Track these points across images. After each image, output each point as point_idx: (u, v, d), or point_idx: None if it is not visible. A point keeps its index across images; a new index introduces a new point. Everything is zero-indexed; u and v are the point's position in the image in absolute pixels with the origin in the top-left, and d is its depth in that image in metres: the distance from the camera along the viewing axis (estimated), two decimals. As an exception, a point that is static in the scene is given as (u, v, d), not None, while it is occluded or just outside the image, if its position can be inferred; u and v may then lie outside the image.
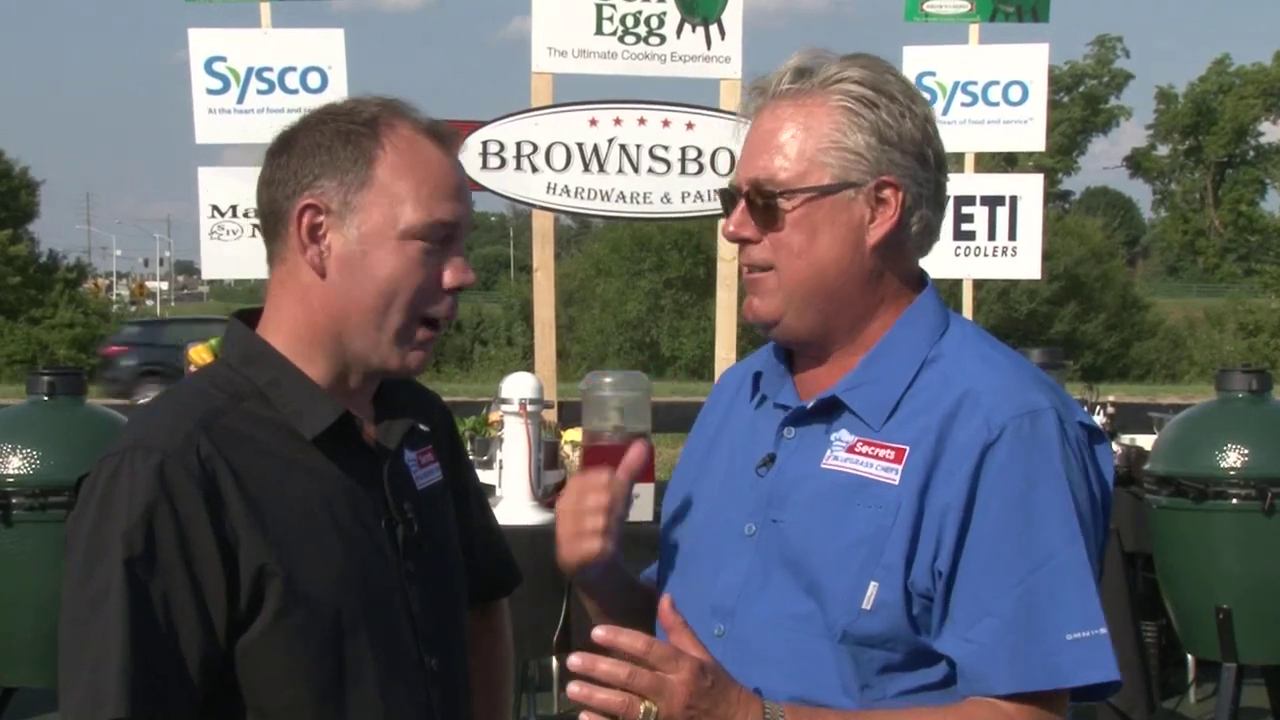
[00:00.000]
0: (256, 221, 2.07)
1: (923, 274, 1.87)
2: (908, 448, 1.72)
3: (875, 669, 1.71)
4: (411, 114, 1.81)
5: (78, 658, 1.63)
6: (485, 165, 6.32)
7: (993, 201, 6.79)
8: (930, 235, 1.84)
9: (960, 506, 1.68)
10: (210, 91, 6.23)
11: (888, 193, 1.77)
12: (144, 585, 1.62)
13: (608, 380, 5.17)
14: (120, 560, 1.61)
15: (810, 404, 1.80)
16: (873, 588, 1.69)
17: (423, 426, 1.91)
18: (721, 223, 1.88)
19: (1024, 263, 6.88)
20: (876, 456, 1.73)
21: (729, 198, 1.84)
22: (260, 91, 6.21)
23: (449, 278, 1.78)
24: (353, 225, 1.75)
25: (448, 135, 1.82)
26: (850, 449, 1.75)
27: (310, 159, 1.76)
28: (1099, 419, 6.20)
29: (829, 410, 1.79)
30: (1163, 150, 67.37)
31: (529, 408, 4.66)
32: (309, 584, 1.70)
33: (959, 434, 1.70)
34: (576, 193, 6.39)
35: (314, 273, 1.77)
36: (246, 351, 1.81)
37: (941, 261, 6.63)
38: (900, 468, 1.71)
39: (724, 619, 1.78)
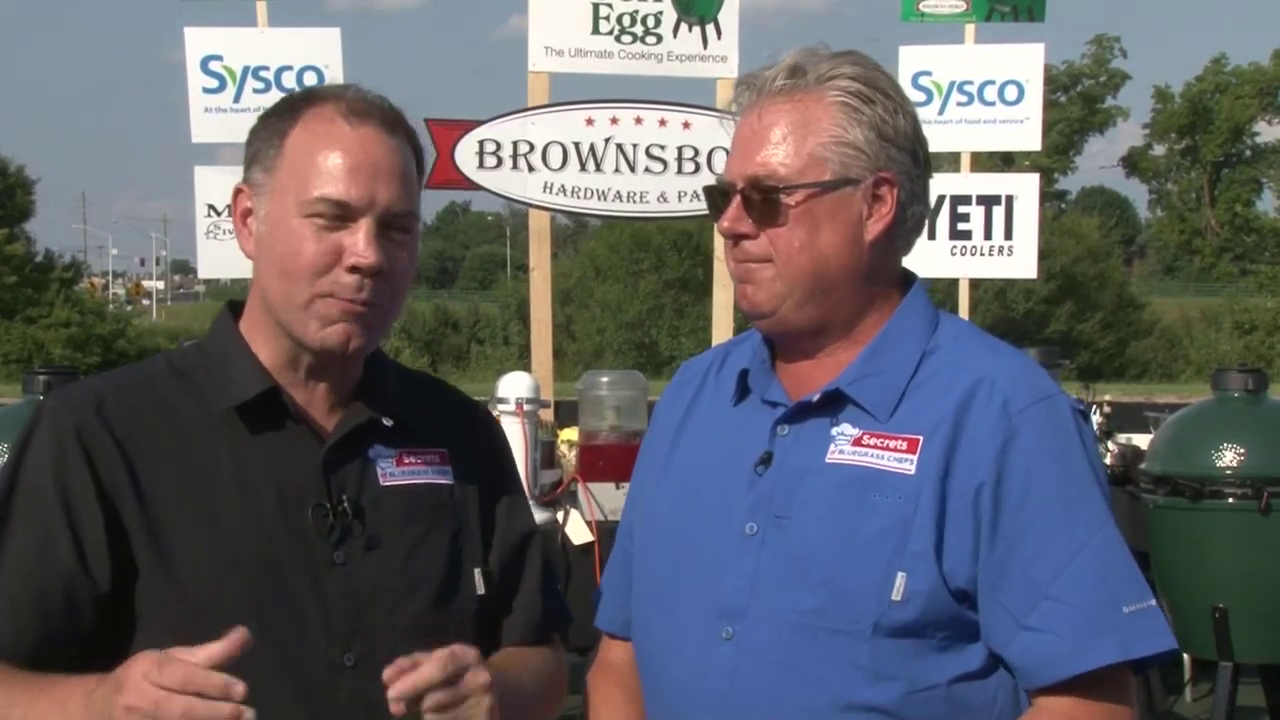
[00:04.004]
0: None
1: (907, 271, 1.88)
2: (921, 437, 1.72)
3: (911, 660, 1.69)
4: (344, 96, 1.77)
5: None
6: (482, 164, 6.31)
7: (989, 201, 6.80)
8: (918, 232, 1.85)
9: (991, 492, 1.69)
10: (206, 90, 6.23)
11: (884, 189, 1.77)
12: (11, 518, 1.70)
13: (604, 380, 5.19)
14: (2, 495, 1.71)
15: (816, 397, 1.78)
16: (901, 579, 1.68)
17: (387, 421, 1.82)
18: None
19: (1020, 262, 6.90)
20: (887, 448, 1.73)
21: (720, 193, 1.82)
22: (256, 90, 6.21)
23: (346, 257, 1.72)
24: (263, 206, 1.77)
25: (376, 116, 1.76)
26: (856, 442, 1.75)
27: (250, 148, 1.80)
28: (1095, 419, 6.20)
29: (830, 404, 1.78)
30: (1159, 150, 67.31)
31: (525, 407, 4.66)
32: (183, 550, 1.70)
33: (978, 420, 1.71)
34: (573, 192, 6.39)
35: (251, 257, 1.80)
36: (214, 330, 1.85)
37: (938, 261, 6.64)
38: (915, 458, 1.71)
39: (733, 621, 1.76)
